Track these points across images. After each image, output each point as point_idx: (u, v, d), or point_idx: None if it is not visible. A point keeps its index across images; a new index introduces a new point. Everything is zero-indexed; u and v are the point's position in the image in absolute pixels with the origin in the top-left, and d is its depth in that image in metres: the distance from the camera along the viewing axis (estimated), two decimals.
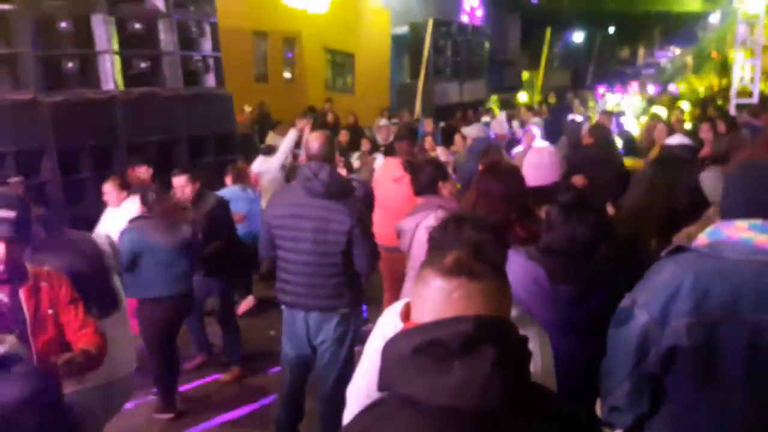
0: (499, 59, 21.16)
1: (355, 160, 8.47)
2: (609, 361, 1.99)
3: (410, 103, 14.40)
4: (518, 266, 2.38)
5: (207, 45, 8.19)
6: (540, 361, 1.84)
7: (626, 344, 1.91)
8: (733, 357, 1.78)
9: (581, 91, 21.88)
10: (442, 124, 12.44)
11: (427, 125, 9.80)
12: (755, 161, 2.01)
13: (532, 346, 1.84)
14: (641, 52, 35.81)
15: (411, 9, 17.72)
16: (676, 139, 4.03)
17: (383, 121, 10.79)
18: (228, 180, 6.14)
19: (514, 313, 1.89)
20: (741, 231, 1.83)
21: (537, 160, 3.64)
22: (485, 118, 12.83)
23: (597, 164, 5.78)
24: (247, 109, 10.91)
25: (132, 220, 4.14)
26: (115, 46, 6.88)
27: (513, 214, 3.05)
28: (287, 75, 14.45)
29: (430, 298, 1.21)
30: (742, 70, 9.76)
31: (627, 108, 15.04)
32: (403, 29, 16.67)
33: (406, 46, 16.48)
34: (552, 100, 18.91)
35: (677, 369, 1.84)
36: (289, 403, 3.69)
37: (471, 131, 7.41)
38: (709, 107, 10.54)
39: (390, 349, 1.20)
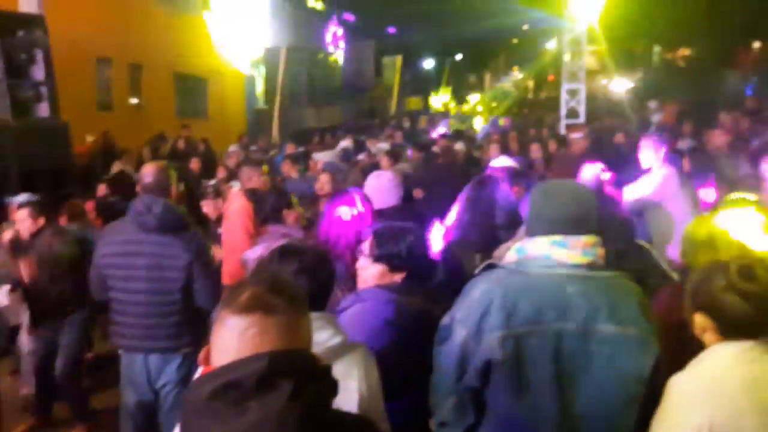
0: (355, 85, 21.62)
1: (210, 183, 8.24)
2: (435, 378, 2.07)
3: (268, 129, 14.30)
4: (371, 293, 2.41)
5: (39, 73, 7.63)
6: (365, 385, 1.88)
7: (448, 360, 2.00)
8: (541, 365, 1.92)
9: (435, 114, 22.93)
10: (301, 149, 12.45)
11: (290, 149, 9.74)
12: (552, 181, 2.19)
13: (356, 372, 1.88)
14: (488, 77, 38.18)
15: (266, 35, 17.65)
16: (499, 161, 4.35)
17: (233, 147, 10.60)
18: (62, 220, 5.69)
19: (336, 341, 1.92)
20: (542, 246, 1.99)
21: (376, 184, 3.74)
22: (344, 143, 13.02)
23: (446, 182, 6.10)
24: (90, 138, 10.29)
25: None
26: None
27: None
28: (134, 101, 13.83)
29: (227, 338, 1.20)
30: (569, 93, 10.73)
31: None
32: (258, 54, 16.57)
33: (261, 72, 16.38)
34: (407, 124, 19.65)
35: (494, 380, 1.95)
36: None
37: (322, 156, 7.50)
38: (543, 127, 11.48)
39: (187, 397, 1.16)
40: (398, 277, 2.38)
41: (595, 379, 1.92)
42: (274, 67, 14.83)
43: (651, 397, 1.86)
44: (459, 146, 8.13)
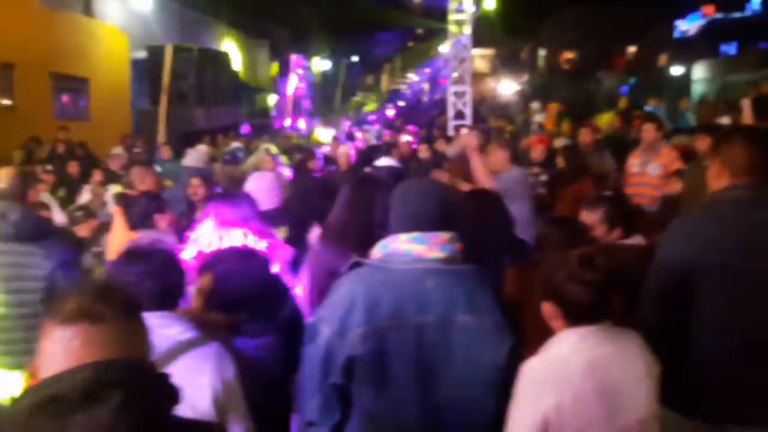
0: (247, 85, 21.23)
1: (87, 192, 7.85)
2: (302, 377, 2.06)
3: (154, 130, 13.76)
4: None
5: None
6: (218, 381, 1.87)
7: (314, 359, 2.00)
8: (403, 359, 1.95)
9: (331, 116, 22.99)
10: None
11: (164, 152, 9.37)
12: (412, 180, 2.25)
13: (207, 367, 1.86)
14: (385, 79, 38.68)
15: (151, 33, 16.97)
16: (383, 162, 4.40)
17: (118, 149, 10.12)
18: None
19: (187, 335, 1.89)
20: (403, 243, 2.04)
21: (257, 185, 3.70)
22: (235, 144, 12.76)
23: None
24: None
25: None
26: None
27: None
28: (6, 103, 12.89)
29: (51, 350, 1.14)
30: (456, 96, 11.09)
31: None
32: (143, 53, 15.91)
33: (146, 71, 15.74)
34: (303, 125, 19.62)
35: (358, 376, 1.96)
36: None
37: (186, 160, 7.42)
38: (433, 129, 11.81)
39: (6, 414, 1.09)
40: (241, 317, 2.32)
41: (456, 371, 1.96)
42: (159, 65, 14.27)
43: (508, 383, 1.94)
44: (345, 149, 8.05)
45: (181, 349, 1.82)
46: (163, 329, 1.82)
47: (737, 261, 2.20)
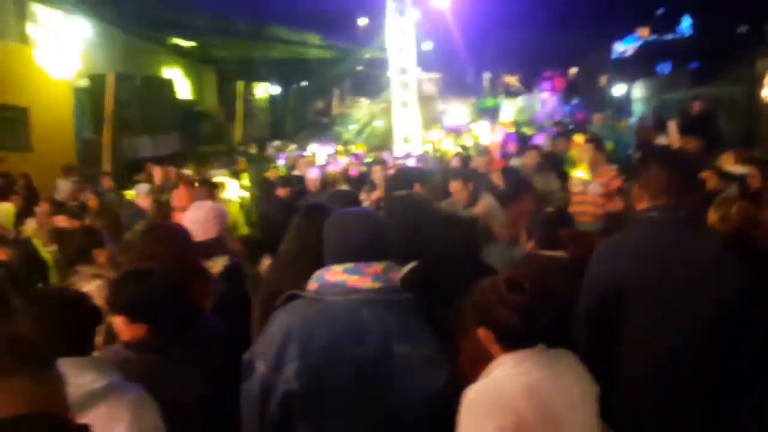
0: (194, 112, 20.98)
1: (32, 223, 7.60)
2: (242, 415, 2.02)
3: (98, 160, 13.44)
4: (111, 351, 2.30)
5: None
6: (135, 429, 1.82)
7: (251, 396, 1.96)
8: (341, 393, 1.93)
9: (283, 141, 22.84)
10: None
11: (106, 183, 9.14)
12: (343, 211, 2.25)
13: (124, 415, 1.81)
14: (335, 103, 38.70)
15: (96, 62, 16.64)
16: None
17: (63, 182, 9.86)
18: None
19: (100, 383, 1.83)
20: (337, 275, 2.03)
21: (196, 215, 3.64)
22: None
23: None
24: None
25: None
26: None
27: (187, 273, 2.99)
28: None
29: None
30: (404, 121, 11.22)
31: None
32: (85, 82, 15.57)
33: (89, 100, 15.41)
34: (253, 150, 19.40)
35: (295, 412, 1.93)
36: None
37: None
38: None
39: None
40: (140, 330, 2.22)
41: (395, 402, 1.95)
42: (102, 94, 13.99)
43: (447, 413, 1.93)
44: (315, 173, 7.73)
45: (93, 399, 1.75)
46: (76, 377, 1.74)
47: (654, 280, 2.29)
